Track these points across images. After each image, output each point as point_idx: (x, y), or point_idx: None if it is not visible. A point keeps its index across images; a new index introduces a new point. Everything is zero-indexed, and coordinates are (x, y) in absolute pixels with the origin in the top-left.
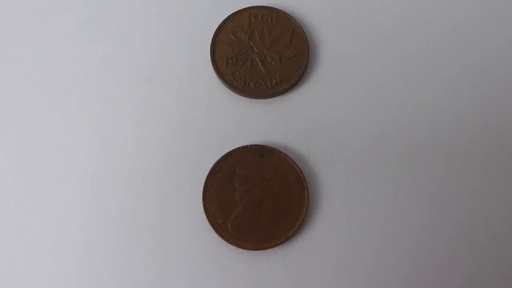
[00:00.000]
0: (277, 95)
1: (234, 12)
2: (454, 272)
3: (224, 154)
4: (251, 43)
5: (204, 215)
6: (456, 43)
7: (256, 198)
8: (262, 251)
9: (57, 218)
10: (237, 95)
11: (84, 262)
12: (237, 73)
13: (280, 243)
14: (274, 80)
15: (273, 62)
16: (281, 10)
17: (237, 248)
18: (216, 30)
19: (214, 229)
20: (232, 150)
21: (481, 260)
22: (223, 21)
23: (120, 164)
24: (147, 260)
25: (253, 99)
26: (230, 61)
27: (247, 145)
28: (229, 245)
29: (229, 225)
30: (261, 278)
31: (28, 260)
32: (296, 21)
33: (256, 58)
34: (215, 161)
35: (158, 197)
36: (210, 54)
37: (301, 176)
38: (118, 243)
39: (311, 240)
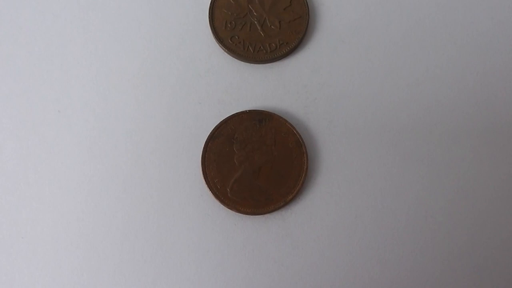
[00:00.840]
0: (277, 60)
1: None
2: (451, 235)
3: (223, 119)
4: (250, 7)
5: (203, 180)
6: (463, 11)
7: (255, 162)
8: (261, 215)
9: (55, 182)
10: (236, 59)
11: (83, 228)
12: (236, 37)
13: (279, 208)
14: (274, 45)
15: (272, 26)
16: None
17: (236, 212)
18: None
19: (213, 193)
20: (231, 115)
21: (478, 223)
22: None
23: (118, 128)
24: (146, 225)
25: (252, 64)
26: (229, 25)
27: (246, 110)
28: (228, 209)
29: (228, 189)
30: (260, 242)
31: (29, 220)
32: None
33: (255, 22)
34: (214, 126)
35: (157, 162)
36: (209, 18)
37: (300, 141)
38: (116, 208)
39: (310, 205)
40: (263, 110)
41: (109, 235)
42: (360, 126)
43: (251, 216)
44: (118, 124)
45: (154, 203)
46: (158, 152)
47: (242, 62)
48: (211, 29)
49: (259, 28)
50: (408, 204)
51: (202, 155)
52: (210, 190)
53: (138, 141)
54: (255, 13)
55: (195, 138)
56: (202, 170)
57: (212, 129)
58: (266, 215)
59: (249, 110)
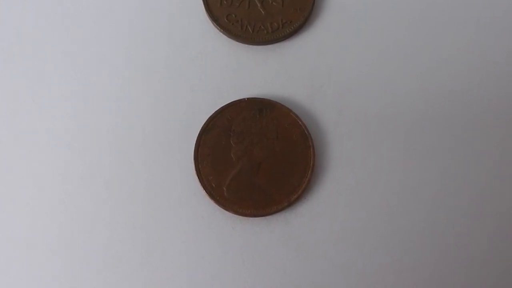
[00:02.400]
0: (279, 41)
1: None
2: (474, 240)
3: (219, 109)
4: None
5: (196, 178)
6: None
7: (254, 157)
8: (262, 217)
9: (30, 182)
10: (232, 41)
11: (62, 232)
12: (233, 15)
13: (282, 209)
14: (276, 24)
15: (274, 3)
16: None
17: (234, 214)
18: None
19: (207, 193)
20: (227, 104)
21: (505, 227)
22: None
23: (100, 120)
24: (132, 229)
25: (251, 46)
26: (225, 2)
27: (244, 98)
28: (225, 211)
29: (224, 188)
30: (260, 247)
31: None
32: None
33: None
34: (208, 117)
35: (144, 158)
36: None
37: (306, 133)
38: (99, 210)
39: (317, 205)
40: (264, 98)
41: (90, 240)
42: (374, 116)
43: (251, 218)
44: (100, 116)
45: (141, 205)
46: (145, 146)
47: (240, 44)
48: (205, 6)
49: (258, 5)
50: (427, 205)
51: (194, 150)
52: (204, 189)
53: (123, 134)
54: None
55: (187, 130)
56: (195, 166)
57: (206, 120)
58: (267, 217)
59: (247, 99)
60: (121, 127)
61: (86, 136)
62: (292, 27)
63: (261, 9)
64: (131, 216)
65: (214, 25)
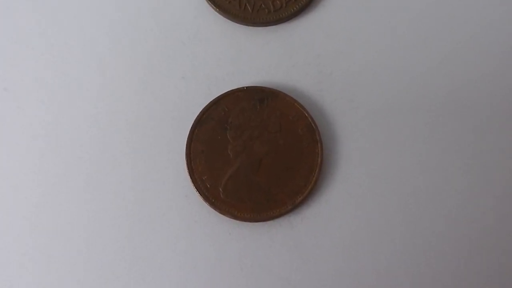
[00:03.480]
0: (282, 22)
1: None
2: (504, 245)
3: (214, 99)
4: None
5: (188, 177)
6: None
7: (254, 154)
8: (263, 222)
9: (1, 180)
10: (229, 21)
11: (38, 237)
12: None
13: (286, 212)
14: (278, 2)
15: None
16: None
17: (231, 218)
18: None
19: (201, 194)
20: (223, 94)
21: None
22: None
23: (80, 112)
24: (116, 234)
25: (250, 27)
26: None
27: (243, 87)
28: (221, 215)
29: (220, 189)
30: (261, 256)
31: None
32: None
33: None
34: (201, 108)
35: (129, 154)
36: None
37: (313, 126)
38: (79, 213)
39: (325, 208)
40: (265, 87)
41: (69, 246)
42: (389, 106)
43: (250, 223)
44: (80, 106)
45: (126, 208)
46: (130, 142)
47: (238, 25)
48: None
49: None
50: (450, 206)
51: (186, 146)
52: (197, 190)
53: (106, 127)
54: None
55: (178, 123)
56: (187, 164)
57: (199, 112)
58: (269, 222)
59: (246, 87)
60: (104, 119)
61: (63, 130)
62: (297, 6)
63: None
64: (114, 221)
65: (209, 4)
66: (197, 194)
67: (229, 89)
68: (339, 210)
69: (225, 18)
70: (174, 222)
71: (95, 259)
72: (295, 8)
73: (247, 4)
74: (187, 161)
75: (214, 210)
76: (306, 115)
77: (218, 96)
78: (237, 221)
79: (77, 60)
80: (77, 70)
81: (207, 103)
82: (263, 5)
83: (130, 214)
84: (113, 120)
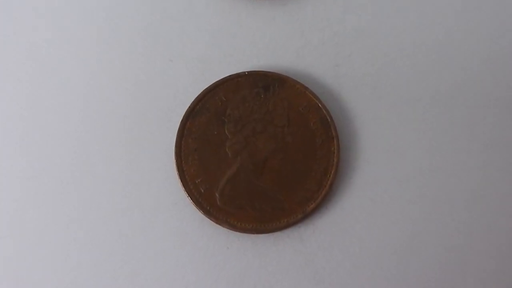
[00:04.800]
0: None
1: None
2: None
3: (209, 86)
4: None
5: (178, 180)
6: None
7: (258, 153)
8: (268, 234)
9: None
10: None
11: (9, 246)
12: None
13: (295, 222)
14: None
15: None
16: None
17: (230, 230)
18: None
19: (193, 201)
20: (220, 80)
21: None
22: None
23: (54, 103)
24: (96, 247)
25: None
26: None
27: (244, 72)
28: (217, 225)
29: (217, 194)
30: (265, 274)
31: None
32: None
33: None
34: (194, 97)
35: (109, 153)
36: None
37: (328, 119)
38: (53, 222)
39: (341, 218)
40: (270, 72)
41: (43, 259)
42: (421, 96)
43: (253, 236)
44: (54, 97)
45: (107, 216)
46: (112, 137)
47: None
48: None
49: None
50: (496, 214)
51: (176, 142)
52: (189, 195)
53: (83, 121)
54: None
55: (166, 115)
56: (177, 165)
57: (191, 101)
58: (275, 234)
59: (248, 72)
60: (81, 111)
61: (36, 124)
62: None
63: None
64: (94, 231)
65: None
66: (188, 200)
67: (227, 75)
68: (359, 221)
69: None
70: (160, 235)
71: (69, 278)
72: None
73: None
74: (176, 161)
75: (209, 220)
76: (320, 105)
77: (214, 83)
78: (237, 233)
79: (50, 41)
80: (50, 54)
81: (201, 91)
82: None
83: (109, 225)
84: (91, 112)
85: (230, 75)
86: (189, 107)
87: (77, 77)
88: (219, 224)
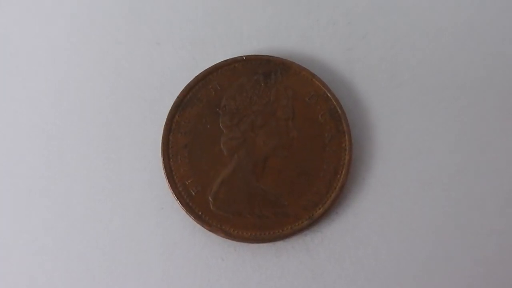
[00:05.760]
0: None
1: None
2: None
3: (201, 72)
4: None
5: (166, 181)
6: None
7: (258, 150)
8: (269, 243)
9: None
10: None
11: None
12: None
13: (301, 230)
14: None
15: None
16: None
17: (225, 238)
18: None
19: (183, 205)
20: (214, 65)
21: None
22: None
23: (22, 94)
24: (72, 258)
25: None
26: None
27: (241, 56)
28: (211, 233)
29: (210, 198)
30: None
31: None
32: None
33: None
34: (184, 85)
35: (87, 151)
36: None
37: (339, 111)
38: (25, 228)
39: (354, 224)
40: (272, 56)
41: (14, 269)
42: (446, 83)
43: (252, 245)
44: (23, 85)
45: (81, 224)
46: (88, 132)
47: None
48: None
49: None
50: None
51: (163, 138)
52: (178, 199)
53: (55, 113)
54: None
55: (151, 106)
56: (164, 163)
57: (180, 90)
58: (277, 243)
59: (246, 57)
60: (49, 102)
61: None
62: None
63: None
64: (65, 240)
65: None
66: (177, 204)
67: (221, 59)
68: (375, 228)
69: None
70: (145, 245)
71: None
72: None
73: None
74: (163, 159)
75: (201, 227)
76: (329, 95)
77: (207, 69)
78: (234, 242)
79: (16, 22)
80: (15, 36)
81: (191, 78)
82: None
83: (85, 233)
84: (65, 102)
85: (225, 60)
86: (178, 97)
87: (48, 63)
88: (213, 232)
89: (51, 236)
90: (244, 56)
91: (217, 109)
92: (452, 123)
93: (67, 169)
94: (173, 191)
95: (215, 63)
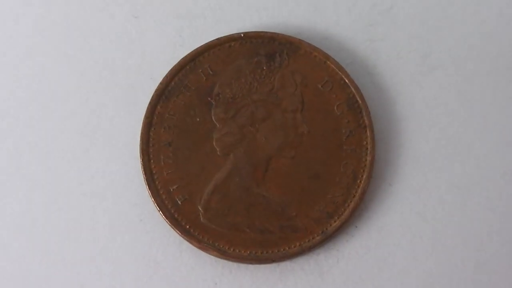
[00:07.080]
0: None
1: None
2: None
3: (188, 53)
4: None
5: (146, 187)
6: None
7: (259, 149)
8: (273, 264)
9: None
10: None
11: None
12: None
13: (313, 247)
14: None
15: None
16: None
17: (218, 257)
18: None
19: (166, 217)
20: (205, 45)
21: None
22: None
23: None
24: (36, 278)
25: None
26: None
27: (239, 33)
28: (201, 251)
29: (200, 208)
30: None
31: None
32: None
33: None
34: (168, 69)
35: (53, 146)
36: None
37: (359, 100)
38: None
39: (377, 240)
40: (277, 34)
41: None
42: (490, 67)
43: (251, 266)
44: None
45: (47, 238)
46: (54, 127)
47: None
48: None
49: None
50: None
51: (142, 133)
52: (161, 209)
53: (16, 104)
54: None
55: (128, 95)
56: (143, 165)
57: (164, 75)
58: (283, 263)
59: (245, 34)
60: (9, 90)
61: None
62: None
63: None
64: (28, 257)
65: None
66: (159, 216)
67: (214, 37)
68: (402, 246)
69: None
70: (121, 264)
71: None
72: None
73: None
74: (142, 160)
75: (188, 244)
76: (347, 81)
77: (196, 49)
78: (229, 262)
79: None
80: None
81: (177, 61)
82: None
83: (47, 252)
84: (20, 94)
85: (218, 38)
86: (161, 83)
87: (9, 44)
88: (204, 250)
89: (13, 250)
90: (242, 33)
91: (209, 99)
92: (497, 115)
93: (30, 170)
94: (154, 199)
95: (207, 41)
